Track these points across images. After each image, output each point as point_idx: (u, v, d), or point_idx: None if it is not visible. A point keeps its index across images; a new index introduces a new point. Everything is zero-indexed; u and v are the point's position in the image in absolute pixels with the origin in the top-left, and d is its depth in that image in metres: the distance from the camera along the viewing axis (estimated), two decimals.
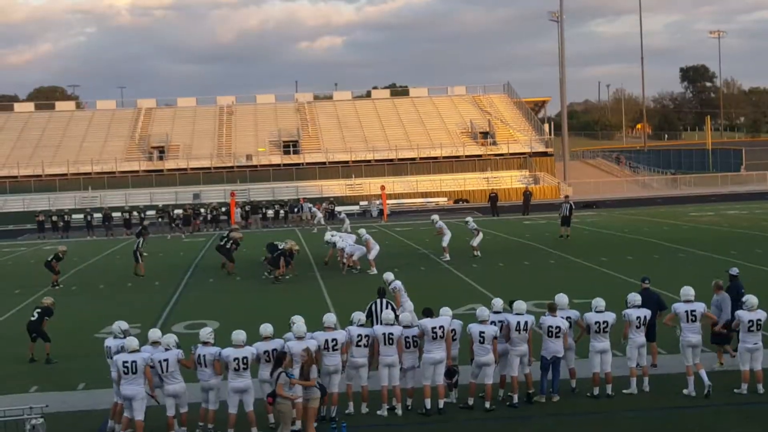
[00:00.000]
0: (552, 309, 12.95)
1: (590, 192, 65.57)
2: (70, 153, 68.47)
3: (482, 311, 12.78)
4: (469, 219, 30.89)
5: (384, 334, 12.42)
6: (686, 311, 13.01)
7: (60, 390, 14.29)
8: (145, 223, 45.53)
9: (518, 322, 12.62)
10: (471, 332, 12.55)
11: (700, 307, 13.16)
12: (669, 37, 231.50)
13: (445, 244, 29.13)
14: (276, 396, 11.03)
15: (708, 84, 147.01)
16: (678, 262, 26.82)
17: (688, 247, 30.25)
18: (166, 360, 11.68)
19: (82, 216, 49.60)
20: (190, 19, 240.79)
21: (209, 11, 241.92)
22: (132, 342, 11.77)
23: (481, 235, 29.96)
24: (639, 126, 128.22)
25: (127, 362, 11.49)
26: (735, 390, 12.80)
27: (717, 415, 11.96)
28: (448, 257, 28.83)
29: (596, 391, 12.85)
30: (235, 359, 11.66)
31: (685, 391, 12.91)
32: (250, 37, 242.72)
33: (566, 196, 41.56)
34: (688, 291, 13.27)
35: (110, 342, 12.28)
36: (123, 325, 12.55)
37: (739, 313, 13.07)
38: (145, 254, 28.90)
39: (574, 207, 36.58)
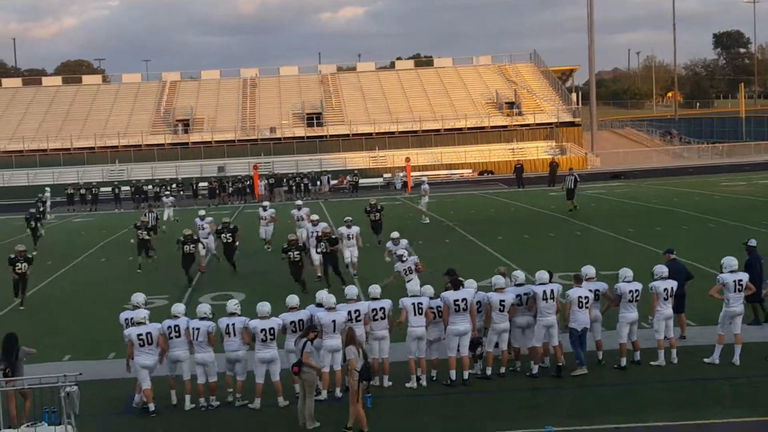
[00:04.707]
0: (578, 280, 12.87)
1: (619, 162, 64.91)
2: (97, 126, 68.95)
3: (498, 279, 12.82)
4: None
5: (413, 304, 12.43)
6: (734, 281, 12.89)
7: (92, 359, 14.60)
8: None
9: (544, 291, 12.55)
10: (491, 300, 12.57)
11: (745, 276, 13.06)
12: (701, 2, 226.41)
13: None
14: (302, 365, 11.08)
15: (742, 50, 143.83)
16: (708, 233, 26.53)
17: (719, 217, 29.89)
18: (197, 329, 11.88)
19: (110, 189, 50.11)
20: None
21: None
22: (141, 313, 12.02)
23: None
24: (670, 94, 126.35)
25: (141, 334, 11.76)
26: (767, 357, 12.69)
27: (749, 385, 11.86)
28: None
29: (623, 362, 12.78)
30: (262, 330, 11.76)
31: (706, 360, 12.84)
32: (271, 8, 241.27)
33: (570, 169, 41.08)
34: (732, 261, 13.12)
35: (128, 314, 12.46)
36: (140, 297, 12.69)
37: None
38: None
39: (578, 179, 36.06)
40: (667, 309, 12.91)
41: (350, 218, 21.71)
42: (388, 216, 34.49)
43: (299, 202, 26.79)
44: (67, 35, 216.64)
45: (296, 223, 25.25)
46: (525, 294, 12.77)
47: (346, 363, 11.02)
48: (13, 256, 19.72)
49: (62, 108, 72.52)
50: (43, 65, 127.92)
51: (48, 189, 45.43)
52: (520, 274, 13.16)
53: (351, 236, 21.02)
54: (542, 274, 12.77)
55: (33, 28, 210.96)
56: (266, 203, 28.46)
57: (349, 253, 20.99)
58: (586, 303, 12.60)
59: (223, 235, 22.87)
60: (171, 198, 40.69)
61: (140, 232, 24.25)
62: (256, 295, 17.29)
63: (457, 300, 12.35)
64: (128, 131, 68.25)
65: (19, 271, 19.50)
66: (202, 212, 25.73)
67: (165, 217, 35.38)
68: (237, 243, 22.92)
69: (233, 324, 11.88)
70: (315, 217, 22.80)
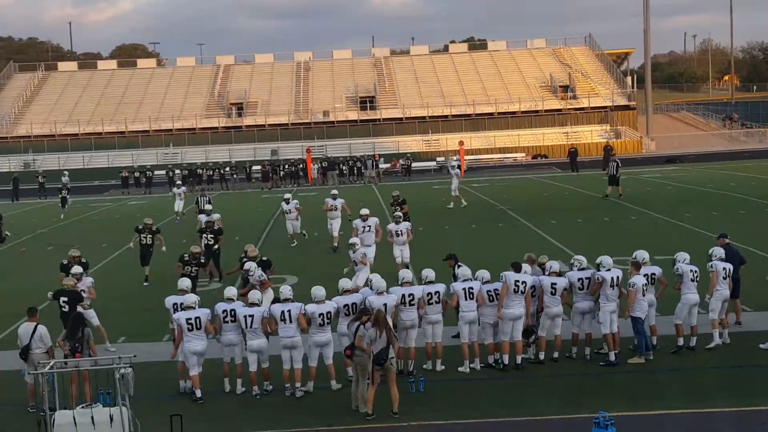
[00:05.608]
0: (637, 267, 12.71)
1: (674, 146, 63.77)
2: (151, 110, 69.97)
3: (552, 264, 12.81)
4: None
5: (464, 289, 12.45)
6: None
7: (146, 341, 14.82)
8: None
9: (612, 278, 12.43)
10: (543, 284, 12.59)
11: None
12: None
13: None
14: (354, 348, 11.15)
15: None
16: (765, 218, 25.94)
17: None
18: (251, 316, 11.82)
19: (164, 172, 50.89)
20: None
21: None
22: (191, 298, 12.07)
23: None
24: (726, 78, 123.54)
25: (190, 319, 11.80)
26: None
27: None
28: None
29: (680, 341, 12.66)
30: (320, 315, 11.81)
31: (762, 345, 12.69)
32: None
33: (613, 155, 40.18)
34: None
35: (175, 299, 12.44)
36: (187, 282, 12.91)
37: None
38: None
39: (620, 165, 35.21)
40: (725, 289, 12.92)
41: (399, 214, 20.08)
42: (440, 200, 34.53)
43: (335, 191, 24.06)
44: (122, 19, 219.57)
45: (329, 214, 23.41)
46: (587, 278, 12.67)
47: (369, 342, 10.96)
48: (66, 262, 16.62)
49: (117, 91, 73.73)
50: (98, 49, 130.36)
51: (66, 173, 45.51)
52: (582, 259, 13.01)
53: (400, 233, 18.92)
54: (607, 260, 12.62)
55: (88, 13, 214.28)
56: (288, 195, 25.63)
57: (399, 252, 18.83)
58: (646, 290, 12.52)
59: (204, 235, 20.17)
60: (183, 188, 35.08)
61: (143, 236, 20.59)
62: (309, 278, 17.51)
63: (518, 281, 12.37)
64: (182, 115, 69.14)
65: None
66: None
67: (176, 209, 33.17)
68: (218, 247, 20.06)
69: (288, 310, 11.85)
70: (365, 211, 19.81)
